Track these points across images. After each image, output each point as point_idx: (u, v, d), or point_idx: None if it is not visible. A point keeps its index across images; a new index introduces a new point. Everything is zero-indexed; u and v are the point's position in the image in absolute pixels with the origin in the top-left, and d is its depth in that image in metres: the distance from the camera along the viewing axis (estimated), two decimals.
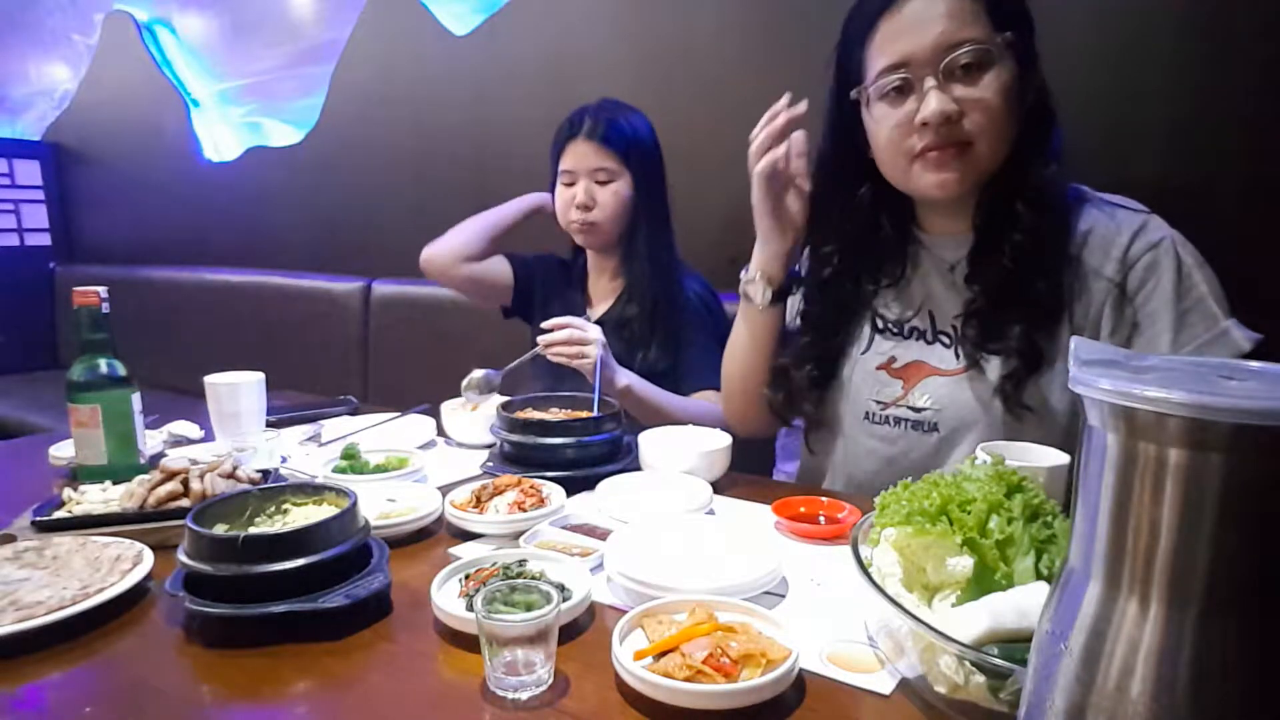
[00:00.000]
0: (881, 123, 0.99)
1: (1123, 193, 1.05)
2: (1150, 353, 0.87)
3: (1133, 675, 0.35)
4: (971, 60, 0.92)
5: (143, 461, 1.12)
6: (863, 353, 1.13)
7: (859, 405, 1.12)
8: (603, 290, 1.62)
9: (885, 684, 0.64)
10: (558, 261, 1.73)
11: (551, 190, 1.58)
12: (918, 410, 1.07)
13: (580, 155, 1.49)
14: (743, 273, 1.18)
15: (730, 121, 1.52)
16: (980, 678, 0.54)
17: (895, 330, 1.11)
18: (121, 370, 1.11)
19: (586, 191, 1.49)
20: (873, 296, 1.13)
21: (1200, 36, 1.30)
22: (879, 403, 1.10)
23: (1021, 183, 0.97)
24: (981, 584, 0.62)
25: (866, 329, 1.14)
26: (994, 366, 1.00)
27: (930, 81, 0.93)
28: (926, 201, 1.06)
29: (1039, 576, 0.61)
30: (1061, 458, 0.82)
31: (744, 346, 1.23)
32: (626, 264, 1.55)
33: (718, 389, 1.50)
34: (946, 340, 1.06)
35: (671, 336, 1.50)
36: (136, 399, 1.12)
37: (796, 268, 1.19)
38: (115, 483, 1.01)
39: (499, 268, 1.69)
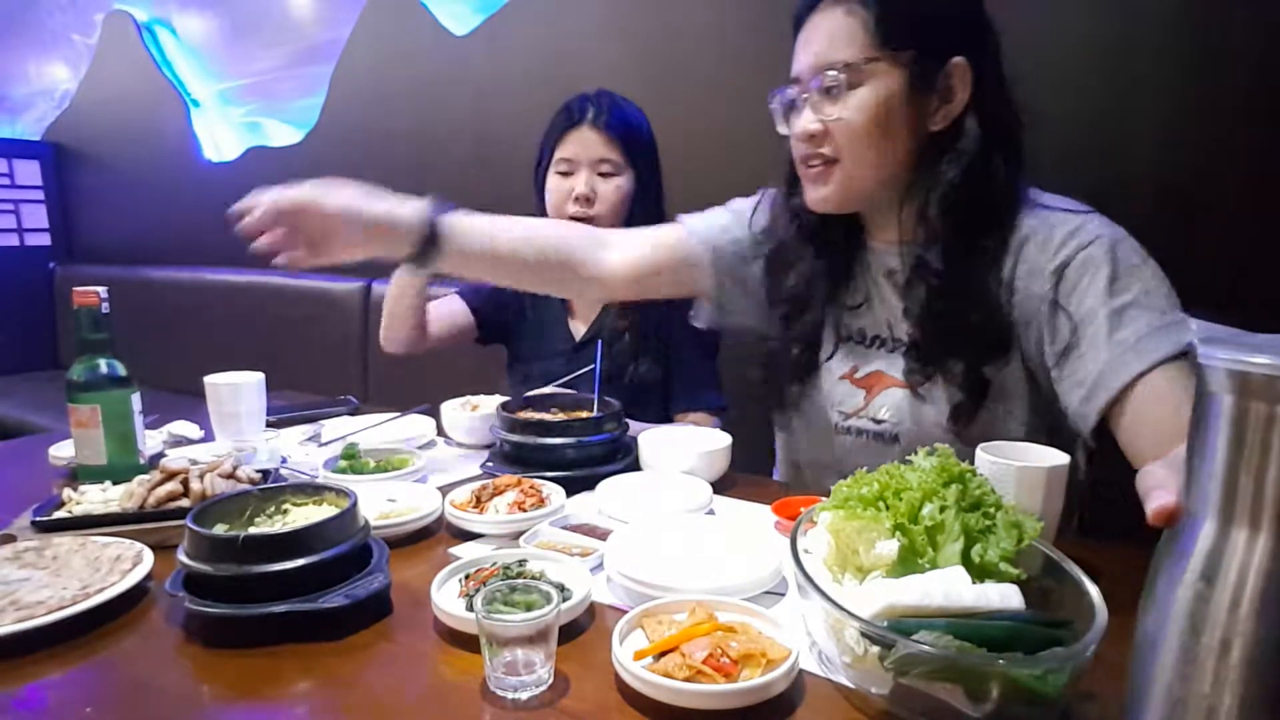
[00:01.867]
0: (789, 133, 1.03)
1: (1121, 193, 1.05)
2: (1090, 354, 0.88)
3: (1244, 593, 0.43)
4: (836, 82, 0.93)
5: (143, 461, 1.12)
6: (828, 360, 1.13)
7: (826, 415, 1.12)
8: (589, 300, 1.55)
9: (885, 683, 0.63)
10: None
11: (539, 182, 1.50)
12: (878, 422, 1.07)
13: (583, 144, 1.41)
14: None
15: (729, 121, 1.53)
16: (875, 648, 0.57)
17: (858, 339, 1.10)
18: (121, 370, 1.11)
19: (588, 183, 1.41)
20: (836, 304, 1.12)
21: (1196, 36, 1.30)
22: (842, 413, 1.10)
23: (927, 213, 0.97)
24: (905, 566, 0.64)
25: (831, 336, 1.13)
26: (937, 394, 1.00)
27: (805, 98, 0.97)
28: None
29: (967, 563, 0.63)
30: (1061, 457, 0.82)
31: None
32: None
33: (709, 410, 1.50)
34: (904, 349, 1.05)
35: (662, 348, 1.46)
36: (136, 399, 1.12)
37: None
38: (115, 483, 1.01)
39: (455, 312, 1.60)
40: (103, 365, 1.09)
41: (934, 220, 0.97)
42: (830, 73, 0.93)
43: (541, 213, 1.51)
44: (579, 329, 1.55)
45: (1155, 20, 1.33)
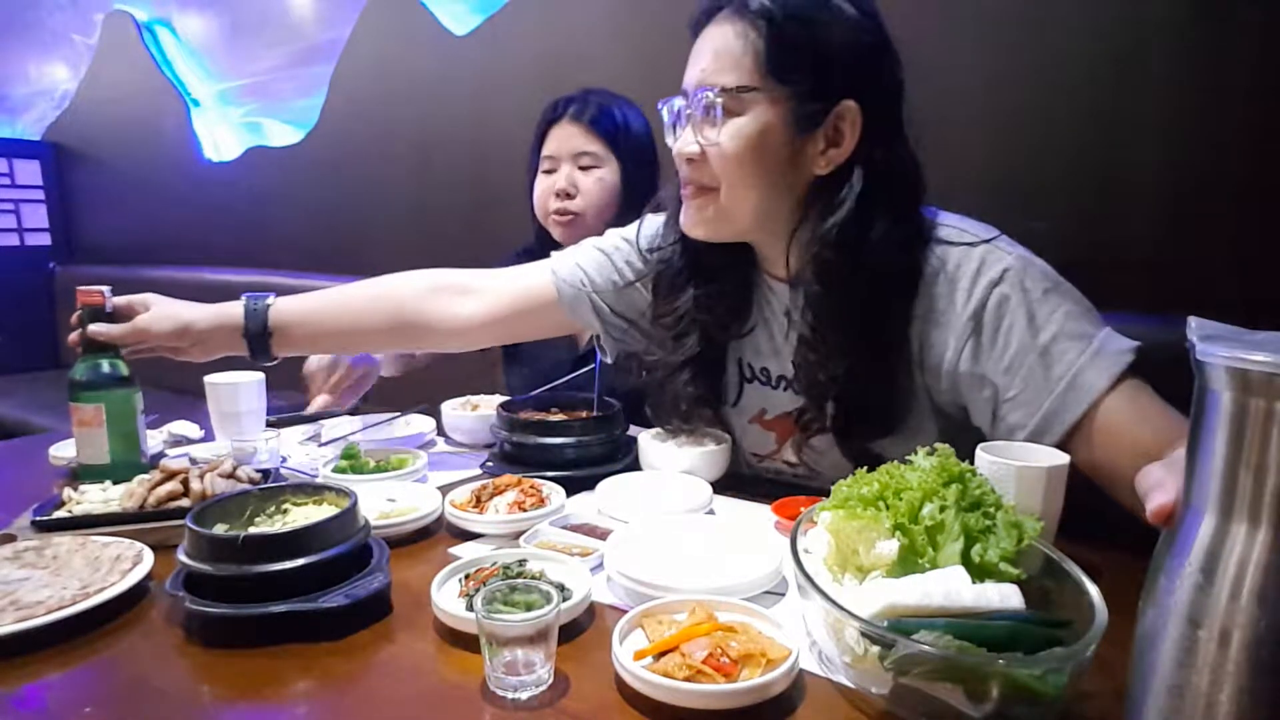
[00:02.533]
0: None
1: (1120, 192, 1.04)
2: (1026, 397, 0.86)
3: (1243, 585, 0.44)
4: (718, 107, 0.88)
5: (144, 461, 1.12)
6: (733, 405, 1.10)
7: (740, 455, 1.11)
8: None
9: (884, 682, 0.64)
10: None
11: (531, 186, 1.48)
12: (792, 465, 1.06)
13: (563, 138, 1.39)
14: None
15: None
16: (875, 648, 0.57)
17: (763, 380, 1.06)
18: (124, 370, 1.11)
19: (568, 178, 1.38)
20: (735, 343, 1.07)
21: (1197, 36, 1.30)
22: (756, 455, 1.09)
23: (806, 266, 0.91)
24: (905, 566, 0.64)
25: (735, 378, 1.09)
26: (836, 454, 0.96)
27: (687, 116, 0.91)
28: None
29: (967, 563, 0.63)
30: (1061, 457, 0.82)
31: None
32: None
33: None
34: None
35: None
36: (139, 398, 1.12)
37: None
38: (116, 482, 1.01)
39: None
40: (105, 365, 1.09)
41: (813, 274, 0.91)
42: (709, 94, 0.88)
43: (532, 211, 1.50)
44: (582, 340, 1.52)
45: (1156, 20, 1.33)
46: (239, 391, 1.32)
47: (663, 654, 0.63)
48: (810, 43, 0.86)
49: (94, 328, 1.08)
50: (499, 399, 1.34)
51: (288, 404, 1.56)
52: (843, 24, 0.86)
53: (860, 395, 0.93)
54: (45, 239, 3.65)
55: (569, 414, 1.24)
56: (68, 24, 3.49)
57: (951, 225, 0.93)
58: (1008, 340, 0.87)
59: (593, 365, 1.25)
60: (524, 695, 0.62)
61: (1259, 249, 1.28)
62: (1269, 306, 1.09)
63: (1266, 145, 1.27)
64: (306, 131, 2.79)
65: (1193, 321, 0.48)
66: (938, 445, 0.72)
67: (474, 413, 1.34)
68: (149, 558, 0.82)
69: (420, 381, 1.73)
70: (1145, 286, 0.97)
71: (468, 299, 1.14)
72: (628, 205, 1.39)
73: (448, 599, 0.74)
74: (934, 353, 0.92)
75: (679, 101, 0.94)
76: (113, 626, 0.74)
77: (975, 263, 0.89)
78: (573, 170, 1.40)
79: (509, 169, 2.28)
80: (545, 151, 1.42)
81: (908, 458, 0.72)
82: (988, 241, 0.90)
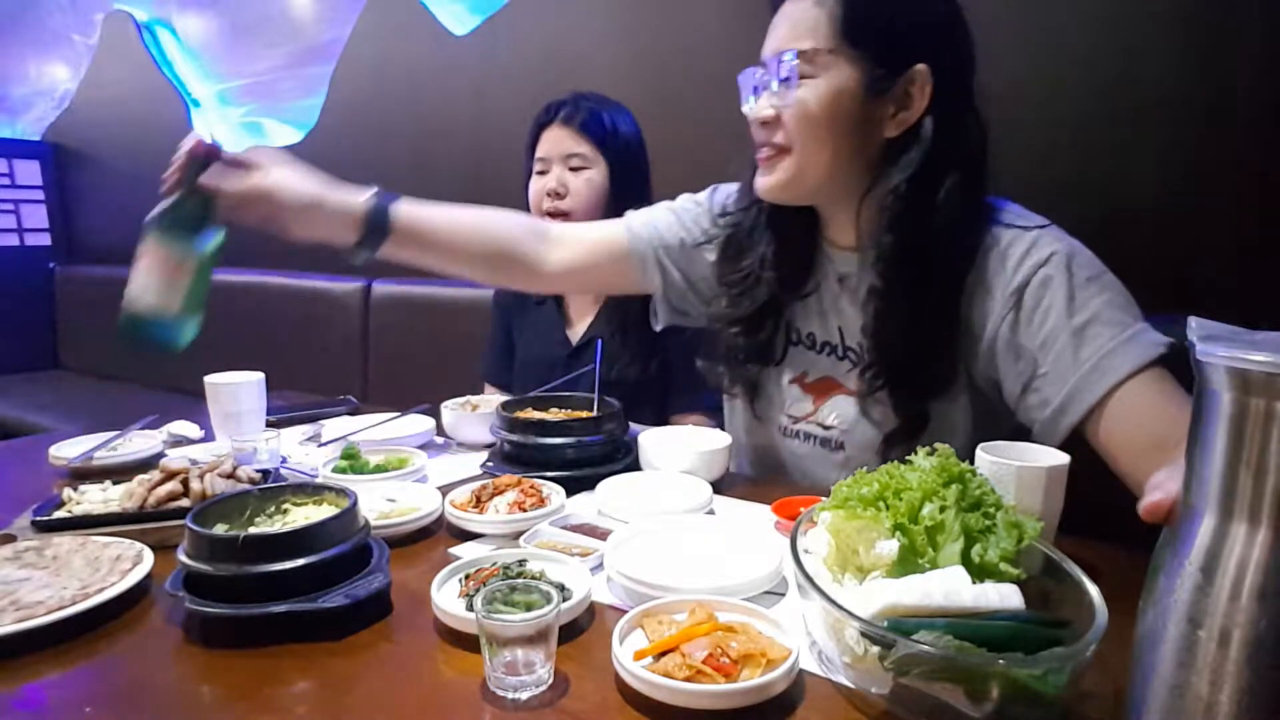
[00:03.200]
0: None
1: (1121, 192, 1.05)
2: (1054, 375, 0.89)
3: (1243, 585, 0.44)
4: (792, 70, 0.92)
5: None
6: (777, 364, 1.13)
7: (774, 418, 1.13)
8: (583, 303, 1.56)
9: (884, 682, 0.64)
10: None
11: (526, 188, 1.52)
12: (826, 428, 1.08)
13: (553, 141, 1.44)
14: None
15: (729, 121, 1.52)
16: (875, 648, 0.57)
17: (808, 344, 1.11)
18: (218, 229, 1.03)
19: (559, 178, 1.44)
20: (785, 307, 1.12)
21: (1199, 36, 1.30)
22: (791, 417, 1.11)
23: (879, 223, 0.96)
24: (905, 566, 0.64)
25: (781, 341, 1.13)
26: (885, 412, 1.00)
27: (765, 81, 0.96)
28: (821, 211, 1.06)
29: (967, 563, 0.63)
30: (1061, 458, 0.82)
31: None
32: None
33: (706, 410, 1.49)
34: (854, 358, 1.05)
35: (657, 349, 1.46)
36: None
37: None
38: (166, 342, 0.97)
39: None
40: (204, 213, 1.00)
41: (883, 233, 0.95)
42: (787, 59, 0.93)
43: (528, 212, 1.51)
44: (576, 333, 1.55)
45: (1158, 20, 1.33)
46: (239, 391, 1.32)
47: (663, 654, 0.63)
48: (883, 8, 0.92)
49: (215, 178, 0.99)
50: (499, 399, 1.34)
51: (288, 404, 1.56)
52: None
53: (914, 354, 0.97)
54: (45, 239, 3.65)
55: (569, 414, 1.24)
56: (68, 24, 3.49)
57: (1011, 211, 0.98)
58: (1045, 317, 0.90)
59: (592, 365, 1.25)
60: (524, 695, 0.62)
61: (1259, 249, 1.28)
62: (1269, 306, 1.09)
63: (1267, 145, 1.27)
64: (306, 131, 2.79)
65: (1193, 321, 0.48)
66: (938, 445, 0.72)
67: (474, 413, 1.34)
68: (149, 558, 0.82)
69: (420, 381, 1.73)
70: (1145, 286, 0.98)
71: (554, 247, 1.19)
72: (616, 203, 1.43)
73: (448, 599, 0.74)
74: (977, 323, 0.96)
75: (756, 72, 0.99)
76: (113, 626, 0.74)
77: (1026, 244, 0.93)
78: (563, 171, 1.45)
79: (508, 168, 2.28)
80: (538, 153, 1.47)
81: (908, 458, 0.72)
82: (1041, 228, 0.95)
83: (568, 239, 1.20)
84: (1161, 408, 0.84)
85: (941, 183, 0.93)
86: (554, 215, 1.44)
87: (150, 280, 0.99)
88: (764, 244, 1.10)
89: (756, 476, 1.22)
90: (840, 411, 1.06)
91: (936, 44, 0.92)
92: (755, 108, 0.98)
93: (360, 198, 1.07)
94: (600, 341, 1.33)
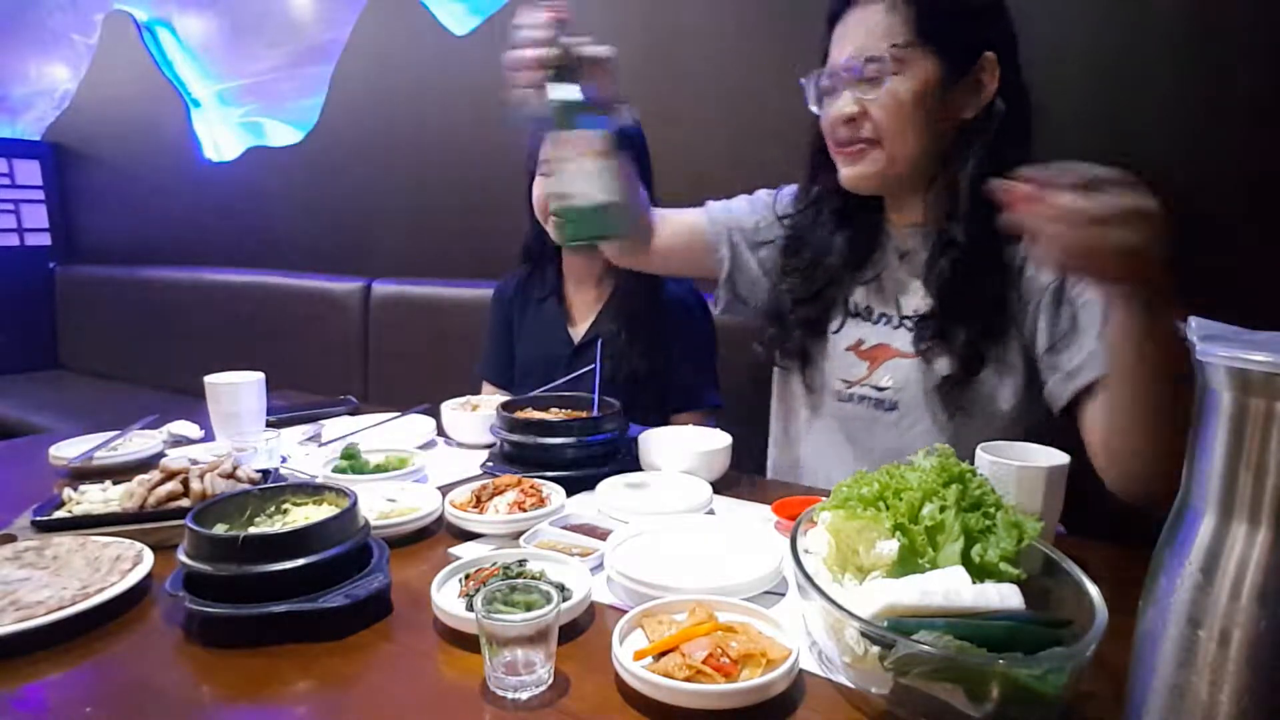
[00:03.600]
0: (822, 118, 1.09)
1: None
2: (1079, 341, 0.97)
3: (1243, 585, 0.44)
4: (878, 70, 1.00)
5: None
6: (835, 333, 1.17)
7: (829, 383, 1.17)
8: (586, 301, 1.56)
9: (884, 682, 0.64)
10: (520, 278, 1.63)
11: (529, 187, 1.51)
12: (880, 389, 1.12)
13: None
14: None
15: (727, 120, 1.53)
16: (875, 648, 0.57)
17: (865, 315, 1.16)
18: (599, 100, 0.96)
19: None
20: (847, 281, 1.18)
21: (1199, 35, 1.30)
22: (845, 381, 1.15)
23: (956, 192, 1.02)
24: (905, 566, 0.65)
25: (839, 312, 1.18)
26: (943, 362, 1.05)
27: (844, 83, 1.03)
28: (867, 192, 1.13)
29: (967, 563, 0.63)
30: (1061, 458, 0.82)
31: None
32: (615, 268, 1.48)
33: (707, 409, 1.50)
34: (909, 325, 1.11)
35: (659, 348, 1.46)
36: None
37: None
38: (596, 240, 0.95)
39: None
40: (583, 93, 0.93)
41: (963, 197, 1.02)
42: (873, 61, 1.00)
43: (531, 213, 1.52)
44: (578, 332, 1.54)
45: (1158, 19, 1.33)
46: (239, 391, 1.32)
47: (663, 654, 0.63)
48: (949, 6, 1.01)
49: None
50: (499, 399, 1.34)
51: (288, 404, 1.56)
52: None
53: (978, 300, 1.03)
54: (45, 239, 3.64)
55: (569, 414, 1.24)
56: (68, 24, 3.49)
57: None
58: (1085, 287, 0.97)
59: (593, 365, 1.25)
60: (524, 695, 0.62)
61: (1259, 249, 1.28)
62: (1269, 306, 1.09)
63: (1267, 144, 1.27)
64: (306, 131, 2.79)
65: (1193, 321, 0.48)
66: (938, 445, 0.72)
67: (474, 413, 1.34)
68: (149, 558, 0.82)
69: (420, 381, 1.73)
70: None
71: (659, 225, 1.26)
72: None
73: (448, 599, 0.74)
74: (1031, 285, 1.02)
75: (828, 77, 1.06)
76: (113, 626, 0.74)
77: None
78: None
79: (508, 169, 2.28)
80: (542, 154, 1.43)
81: (908, 458, 0.72)
82: None
83: (665, 219, 1.27)
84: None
85: (1011, 146, 1.01)
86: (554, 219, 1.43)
87: (573, 173, 0.93)
88: (828, 233, 1.17)
89: (785, 464, 1.27)
90: (894, 373, 1.10)
91: (996, 29, 1.02)
92: (839, 106, 1.03)
93: None
94: (601, 341, 1.33)
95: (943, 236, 1.05)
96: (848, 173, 1.08)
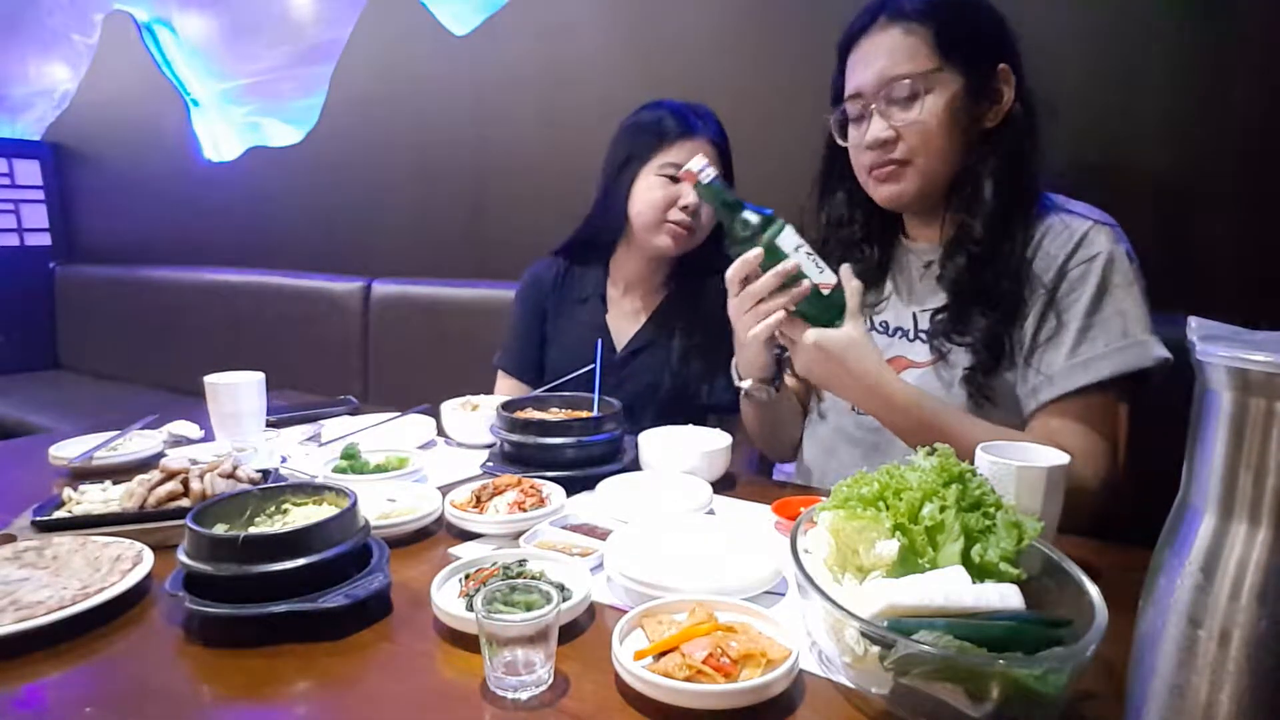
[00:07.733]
0: (850, 143, 1.12)
1: (1122, 191, 1.06)
2: (1051, 356, 1.01)
3: (1243, 585, 0.44)
4: (906, 92, 1.03)
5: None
6: None
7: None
8: (633, 309, 1.53)
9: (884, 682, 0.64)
10: (559, 270, 1.57)
11: (615, 178, 1.44)
12: None
13: (694, 152, 1.31)
14: (736, 380, 1.21)
15: (729, 121, 1.52)
16: (875, 648, 0.57)
17: (881, 330, 1.18)
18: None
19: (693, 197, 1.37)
20: (867, 300, 1.18)
21: (1199, 35, 1.30)
22: None
23: (979, 194, 1.05)
24: (905, 566, 0.65)
25: None
26: (959, 357, 1.07)
27: (873, 109, 1.06)
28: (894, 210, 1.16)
29: (967, 563, 0.63)
30: (1061, 457, 0.82)
31: (771, 425, 1.29)
32: (678, 277, 1.47)
33: (728, 412, 1.48)
34: (924, 337, 1.12)
35: (698, 352, 1.46)
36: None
37: None
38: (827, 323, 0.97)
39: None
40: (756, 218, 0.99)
41: (985, 198, 1.05)
42: (901, 84, 1.02)
43: (608, 211, 1.46)
44: (619, 342, 1.51)
45: (1157, 18, 1.33)
46: (239, 391, 1.32)
47: (663, 654, 0.63)
48: (966, 25, 1.04)
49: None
50: (499, 399, 1.34)
51: (288, 404, 1.56)
52: (979, 3, 1.05)
53: (994, 292, 1.05)
54: (45, 239, 3.64)
55: (569, 414, 1.24)
56: (68, 24, 3.48)
57: (1080, 204, 1.08)
58: (1072, 303, 1.01)
59: (592, 365, 1.25)
60: (524, 695, 0.62)
61: (1259, 249, 1.28)
62: (1269, 306, 1.09)
63: (1267, 144, 1.27)
64: (306, 131, 2.79)
65: (1193, 321, 0.48)
66: (938, 445, 0.72)
67: (474, 413, 1.34)
68: (149, 558, 0.82)
69: (420, 382, 1.73)
70: (1145, 286, 0.99)
71: None
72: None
73: (448, 599, 0.74)
74: (1039, 269, 1.05)
75: (853, 106, 1.08)
76: (113, 626, 0.74)
77: (1085, 230, 1.03)
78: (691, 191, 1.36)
79: (509, 168, 2.29)
80: (676, 159, 1.38)
81: (908, 458, 0.72)
82: (1100, 224, 1.04)
83: None
84: (1091, 431, 0.98)
85: (1024, 152, 1.05)
86: (682, 228, 1.39)
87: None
88: (845, 254, 1.17)
89: (815, 463, 1.26)
90: (913, 380, 1.10)
91: (1005, 41, 1.05)
92: (874, 131, 1.05)
93: None
94: (600, 342, 1.33)
95: (961, 231, 1.07)
96: (885, 192, 1.10)
